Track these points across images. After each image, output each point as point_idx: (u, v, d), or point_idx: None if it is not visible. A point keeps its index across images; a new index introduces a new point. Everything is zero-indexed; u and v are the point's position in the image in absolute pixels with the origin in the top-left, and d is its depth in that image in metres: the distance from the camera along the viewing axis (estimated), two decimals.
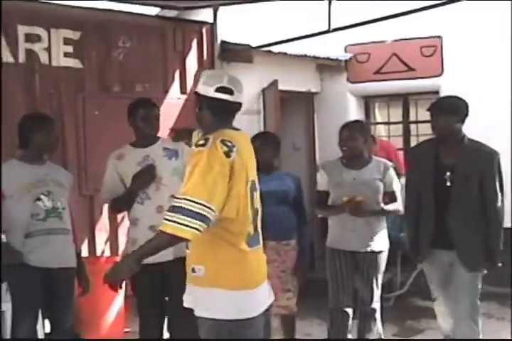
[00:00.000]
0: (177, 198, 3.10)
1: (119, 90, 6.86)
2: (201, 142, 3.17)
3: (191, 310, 3.30)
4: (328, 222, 5.40)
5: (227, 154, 3.14)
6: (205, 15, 7.73)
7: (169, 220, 3.06)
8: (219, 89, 3.29)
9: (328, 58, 8.97)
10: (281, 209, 5.15)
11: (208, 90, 3.31)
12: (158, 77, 7.24)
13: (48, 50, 6.37)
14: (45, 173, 4.60)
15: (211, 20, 7.69)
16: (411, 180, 5.12)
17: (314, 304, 6.44)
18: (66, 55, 6.50)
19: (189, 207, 3.04)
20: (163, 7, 7.55)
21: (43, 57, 6.35)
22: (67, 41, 6.50)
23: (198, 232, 3.04)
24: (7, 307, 4.87)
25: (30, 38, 6.26)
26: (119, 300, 5.88)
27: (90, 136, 6.53)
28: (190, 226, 3.03)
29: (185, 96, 7.33)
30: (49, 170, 4.66)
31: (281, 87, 8.01)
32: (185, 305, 3.33)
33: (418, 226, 4.93)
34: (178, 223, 3.03)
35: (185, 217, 3.03)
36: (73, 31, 6.53)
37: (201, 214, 3.04)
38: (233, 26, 7.87)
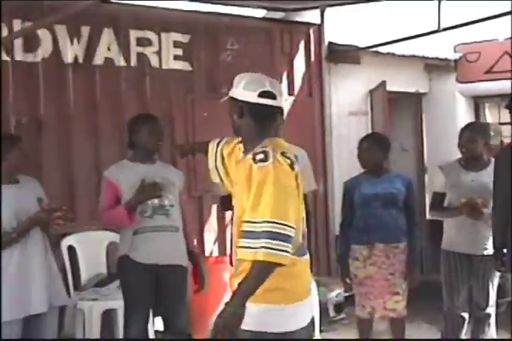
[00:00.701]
0: (254, 222, 2.88)
1: (227, 92, 6.86)
2: (261, 157, 2.95)
3: None
4: (439, 224, 5.30)
5: (292, 167, 3.00)
6: (311, 16, 7.71)
7: (263, 247, 2.83)
8: (262, 94, 3.06)
9: (437, 58, 8.84)
10: (388, 211, 5.07)
11: (251, 95, 3.07)
12: None
13: (159, 53, 6.50)
14: (154, 172, 4.65)
15: (318, 22, 7.67)
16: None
17: (423, 307, 6.33)
18: (176, 57, 6.61)
19: (275, 230, 2.84)
20: (270, 9, 7.57)
21: (154, 61, 6.47)
22: (176, 44, 6.61)
23: (290, 255, 2.88)
24: (119, 304, 5.00)
25: (141, 42, 6.39)
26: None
27: (199, 137, 6.60)
28: (284, 250, 2.85)
29: (292, 98, 7.34)
30: (158, 169, 4.72)
31: (388, 87, 7.90)
32: (242, 327, 2.98)
33: None
34: (272, 248, 2.83)
35: (277, 242, 2.83)
36: (182, 34, 6.64)
37: (287, 235, 2.86)
38: (340, 27, 7.82)
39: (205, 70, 6.82)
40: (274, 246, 2.82)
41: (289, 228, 2.86)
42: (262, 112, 3.08)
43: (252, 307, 2.92)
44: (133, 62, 6.35)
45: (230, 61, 6.97)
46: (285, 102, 7.07)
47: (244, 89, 3.07)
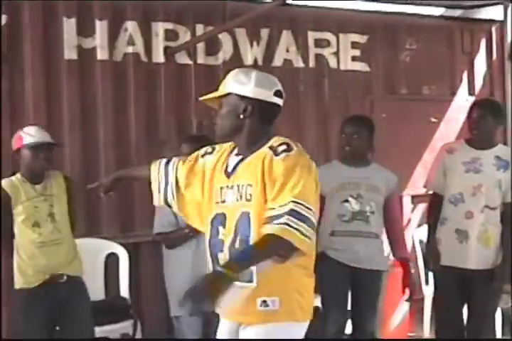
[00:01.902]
0: (280, 205, 2.66)
1: (406, 93, 6.84)
2: (283, 147, 2.74)
3: None
4: None
5: (312, 161, 2.81)
6: (491, 12, 7.43)
7: (292, 227, 2.62)
8: (277, 93, 2.85)
9: None
10: None
11: (266, 94, 2.82)
12: (445, 79, 7.09)
13: (337, 54, 6.50)
14: (362, 176, 4.57)
15: (500, 18, 7.38)
16: None
17: None
18: (354, 58, 6.59)
19: (308, 215, 2.65)
20: (448, 7, 7.37)
21: (332, 62, 6.48)
22: (354, 45, 6.59)
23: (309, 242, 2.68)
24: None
25: (319, 43, 6.42)
26: (404, 304, 5.78)
27: (378, 139, 6.51)
28: (305, 235, 2.64)
29: (472, 98, 7.10)
30: (367, 172, 4.61)
31: None
32: None
33: None
34: (292, 227, 2.63)
35: (300, 223, 2.64)
36: (360, 35, 6.61)
37: (308, 217, 2.66)
38: None
39: (384, 71, 6.76)
40: (294, 226, 2.63)
41: (310, 211, 2.66)
42: (273, 112, 2.87)
43: (274, 327, 2.76)
44: (311, 63, 6.40)
45: (408, 61, 6.89)
46: (466, 102, 6.91)
47: (258, 87, 2.81)
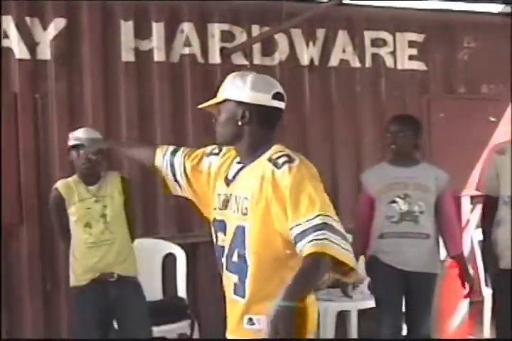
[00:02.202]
0: (306, 220, 2.41)
1: (464, 92, 6.74)
2: (284, 159, 2.52)
3: None
4: None
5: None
6: None
7: (326, 239, 2.36)
8: (276, 96, 2.64)
9: None
10: None
11: (263, 98, 2.61)
12: (504, 78, 6.95)
13: (393, 53, 6.45)
14: (409, 176, 4.49)
15: None
16: None
17: None
18: (410, 57, 6.53)
19: (340, 229, 2.42)
20: (507, 3, 7.25)
21: (389, 61, 6.43)
22: (411, 44, 6.52)
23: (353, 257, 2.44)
24: (353, 306, 4.96)
25: (376, 42, 6.39)
26: (464, 306, 5.71)
27: (435, 138, 6.47)
28: (347, 249, 2.40)
29: None
30: (415, 172, 4.52)
31: None
32: None
33: None
34: (335, 243, 2.37)
35: (345, 242, 2.41)
36: (417, 34, 6.54)
37: (346, 234, 2.43)
38: None
39: (441, 70, 6.68)
40: (334, 240, 2.36)
41: (339, 224, 2.43)
42: (274, 116, 2.66)
43: None
44: (368, 63, 6.36)
45: (466, 60, 6.79)
46: None
47: (254, 90, 2.60)
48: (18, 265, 5.24)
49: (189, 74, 5.73)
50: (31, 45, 5.28)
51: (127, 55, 5.54)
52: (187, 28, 5.72)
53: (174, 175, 2.94)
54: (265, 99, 2.61)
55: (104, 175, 4.39)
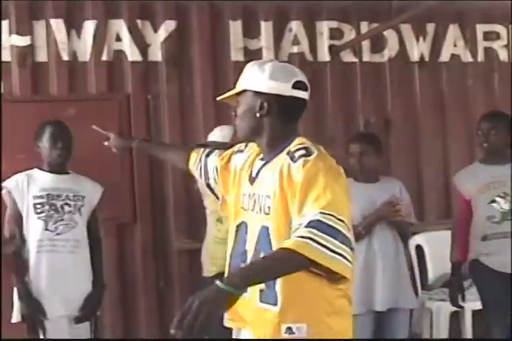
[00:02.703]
0: (320, 213, 2.24)
1: None
2: (301, 152, 2.38)
3: None
4: None
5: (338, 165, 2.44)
6: None
7: (317, 242, 2.18)
8: (296, 85, 2.46)
9: None
10: None
11: (283, 87, 2.45)
12: None
13: (507, 47, 6.28)
14: (505, 174, 4.39)
15: None
16: None
17: None
18: None
19: (340, 228, 2.22)
20: None
21: (502, 55, 6.27)
22: None
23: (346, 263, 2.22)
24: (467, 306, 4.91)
25: (488, 36, 6.24)
26: None
27: None
28: (348, 259, 2.22)
29: None
30: (508, 170, 4.45)
31: None
32: None
33: None
34: (317, 242, 2.18)
35: (340, 244, 2.21)
36: None
37: (347, 236, 2.25)
38: None
39: None
40: (321, 241, 2.17)
41: (342, 223, 2.24)
42: (295, 107, 2.49)
43: None
44: (480, 57, 6.22)
45: None
46: None
47: (272, 79, 2.44)
48: (132, 263, 5.36)
49: None
50: (143, 47, 5.41)
51: (236, 55, 5.61)
52: (295, 26, 5.74)
53: (207, 178, 2.85)
54: (285, 89, 2.45)
55: None
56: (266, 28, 5.68)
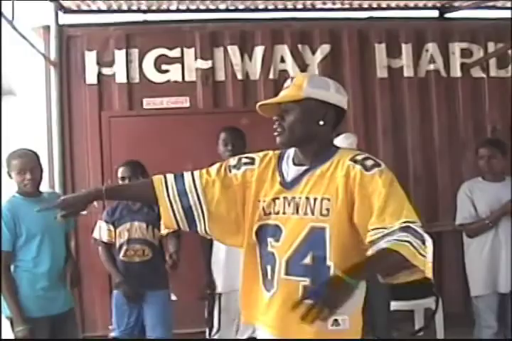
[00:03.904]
0: (407, 221, 2.35)
1: None
2: (371, 162, 2.48)
3: None
4: None
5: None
6: None
7: (407, 242, 2.29)
8: (339, 92, 2.59)
9: None
10: None
11: (344, 101, 2.60)
12: None
13: None
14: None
15: None
16: None
17: None
18: None
19: (427, 236, 2.35)
20: None
21: None
22: None
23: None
24: None
25: None
26: None
27: None
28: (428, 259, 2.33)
29: None
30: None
31: None
32: None
33: None
34: (416, 249, 2.30)
35: (425, 248, 2.33)
36: None
37: (426, 237, 2.35)
38: None
39: None
40: (415, 245, 2.29)
41: (426, 233, 2.36)
42: (340, 115, 2.61)
43: None
44: None
45: None
46: None
47: (338, 93, 2.57)
48: None
49: (434, 87, 6.38)
50: (303, 67, 6.18)
51: (381, 72, 6.29)
52: (431, 47, 6.36)
53: (186, 205, 2.68)
54: (345, 103, 2.59)
55: None
56: (406, 49, 6.33)
